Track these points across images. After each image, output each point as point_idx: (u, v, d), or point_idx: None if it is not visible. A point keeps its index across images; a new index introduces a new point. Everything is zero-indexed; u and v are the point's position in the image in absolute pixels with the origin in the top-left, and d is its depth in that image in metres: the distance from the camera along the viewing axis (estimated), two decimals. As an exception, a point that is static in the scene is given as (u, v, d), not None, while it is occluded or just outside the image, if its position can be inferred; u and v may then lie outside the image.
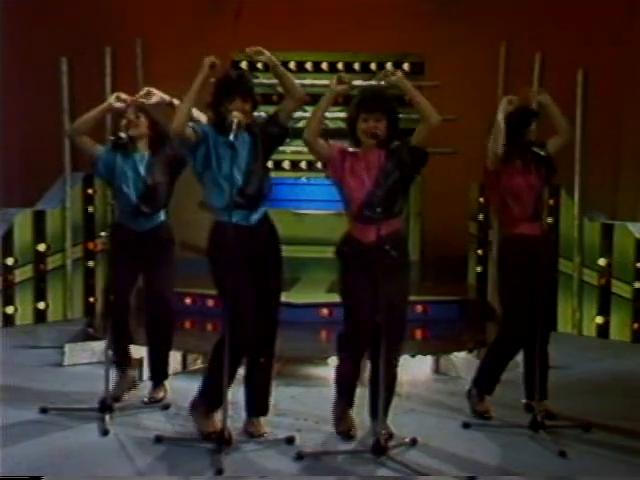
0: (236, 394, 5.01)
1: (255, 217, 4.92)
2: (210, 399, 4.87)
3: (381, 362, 4.67)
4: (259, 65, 9.00)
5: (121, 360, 5.75)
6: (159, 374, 5.74)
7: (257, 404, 5.06)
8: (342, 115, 8.92)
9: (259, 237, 4.92)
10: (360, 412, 5.08)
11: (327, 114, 8.85)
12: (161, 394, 5.68)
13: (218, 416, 4.79)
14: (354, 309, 4.89)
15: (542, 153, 5.23)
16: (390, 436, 4.83)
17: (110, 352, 5.50)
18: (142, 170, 5.55)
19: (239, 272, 4.76)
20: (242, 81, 4.98)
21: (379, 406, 4.71)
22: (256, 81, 8.83)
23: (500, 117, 5.26)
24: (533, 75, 8.11)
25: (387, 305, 4.64)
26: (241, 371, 5.03)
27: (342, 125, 8.89)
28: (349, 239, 4.93)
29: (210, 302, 7.50)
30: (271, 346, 5.10)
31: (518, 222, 5.34)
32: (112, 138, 5.49)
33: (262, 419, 5.07)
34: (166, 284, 5.65)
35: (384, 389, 4.75)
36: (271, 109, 8.81)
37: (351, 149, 4.99)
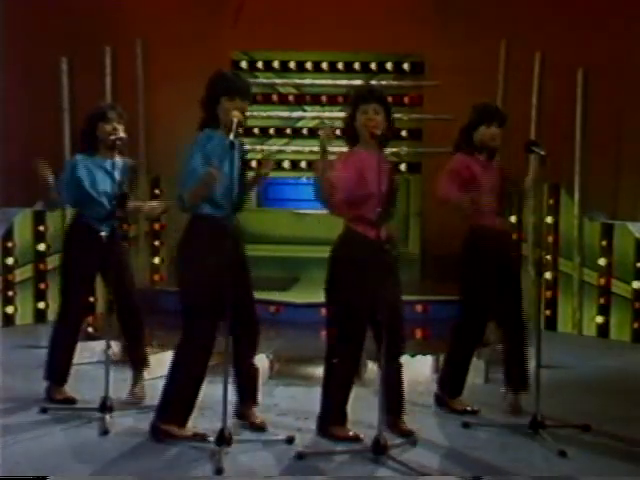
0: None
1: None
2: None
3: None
4: (259, 65, 9.03)
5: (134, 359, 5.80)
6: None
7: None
8: (342, 115, 9.00)
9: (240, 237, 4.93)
10: (360, 412, 5.09)
11: (325, 114, 8.97)
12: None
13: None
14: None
15: (542, 153, 5.23)
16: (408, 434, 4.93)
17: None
18: (117, 175, 5.54)
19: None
20: (242, 80, 4.97)
21: (380, 405, 4.72)
22: (256, 81, 8.91)
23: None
24: (533, 75, 8.11)
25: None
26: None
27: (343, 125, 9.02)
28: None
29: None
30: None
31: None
32: (112, 138, 5.47)
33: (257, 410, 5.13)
34: (133, 283, 5.75)
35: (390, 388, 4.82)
36: (271, 109, 8.95)
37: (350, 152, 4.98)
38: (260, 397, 5.75)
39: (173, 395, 4.90)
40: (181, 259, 4.92)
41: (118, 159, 5.54)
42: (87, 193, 5.58)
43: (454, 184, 5.38)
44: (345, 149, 5.08)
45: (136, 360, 5.79)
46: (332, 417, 4.99)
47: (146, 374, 6.00)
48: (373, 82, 8.77)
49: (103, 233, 5.50)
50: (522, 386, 5.49)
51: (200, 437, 4.82)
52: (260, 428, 5.05)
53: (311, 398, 5.51)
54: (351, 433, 4.95)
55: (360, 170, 4.85)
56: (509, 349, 5.56)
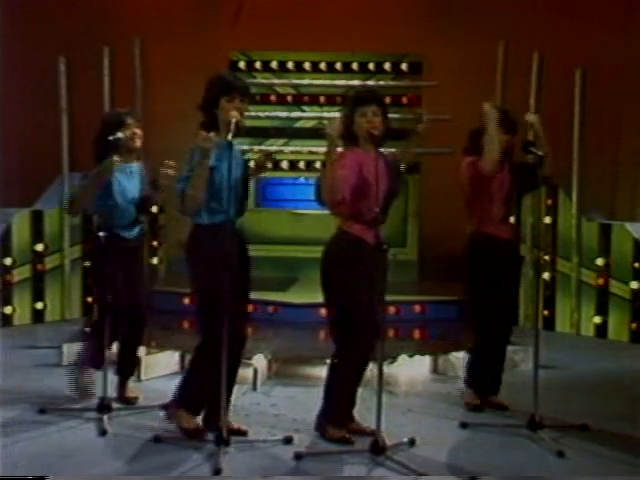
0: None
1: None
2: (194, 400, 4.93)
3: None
4: (257, 65, 9.03)
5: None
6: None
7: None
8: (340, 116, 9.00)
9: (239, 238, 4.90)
10: (359, 411, 5.09)
11: (324, 114, 8.98)
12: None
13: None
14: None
15: (540, 153, 5.24)
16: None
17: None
18: (138, 181, 5.55)
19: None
20: (241, 80, 4.98)
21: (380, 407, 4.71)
22: (254, 81, 8.91)
23: (492, 128, 5.31)
24: (532, 75, 8.12)
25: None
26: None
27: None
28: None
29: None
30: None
31: (488, 222, 5.49)
32: (110, 139, 5.39)
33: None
34: (143, 286, 5.67)
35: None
36: (270, 109, 8.95)
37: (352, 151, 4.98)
38: (258, 397, 5.78)
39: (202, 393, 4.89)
40: (191, 267, 4.88)
41: (135, 164, 5.56)
42: (115, 201, 5.42)
43: None
44: (341, 149, 5.06)
45: (127, 364, 5.70)
46: (331, 417, 4.98)
47: (143, 375, 6.02)
48: (371, 82, 8.78)
49: (101, 233, 5.43)
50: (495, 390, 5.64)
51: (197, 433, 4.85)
52: None
53: (310, 398, 5.52)
54: (346, 435, 4.93)
55: (359, 169, 4.86)
56: (488, 353, 5.62)
